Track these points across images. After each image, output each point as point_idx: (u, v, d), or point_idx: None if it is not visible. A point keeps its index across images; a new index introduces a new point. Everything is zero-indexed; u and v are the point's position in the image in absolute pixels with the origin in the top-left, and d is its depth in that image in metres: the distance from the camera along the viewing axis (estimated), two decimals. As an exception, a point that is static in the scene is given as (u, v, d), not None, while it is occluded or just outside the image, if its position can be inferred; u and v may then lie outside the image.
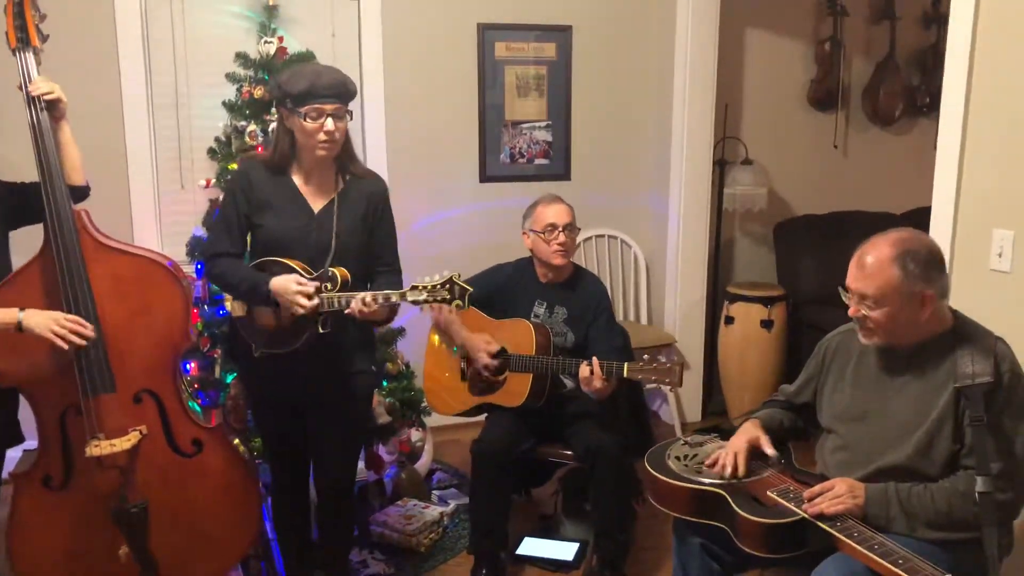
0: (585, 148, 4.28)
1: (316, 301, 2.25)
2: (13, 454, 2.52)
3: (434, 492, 3.55)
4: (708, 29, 4.02)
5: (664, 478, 2.14)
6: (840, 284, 2.05)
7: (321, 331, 2.30)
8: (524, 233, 2.98)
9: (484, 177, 4.16)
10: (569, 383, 2.97)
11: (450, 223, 4.12)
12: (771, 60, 4.49)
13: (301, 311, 2.24)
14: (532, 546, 3.11)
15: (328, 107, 2.29)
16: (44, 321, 2.22)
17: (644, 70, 4.29)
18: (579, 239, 4.05)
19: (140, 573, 2.45)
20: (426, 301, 2.24)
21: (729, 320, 4.23)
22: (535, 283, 3.00)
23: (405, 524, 3.15)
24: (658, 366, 2.55)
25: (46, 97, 2.35)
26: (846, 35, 4.51)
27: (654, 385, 2.65)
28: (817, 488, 1.98)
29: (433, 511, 3.26)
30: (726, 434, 2.33)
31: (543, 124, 4.19)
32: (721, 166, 4.38)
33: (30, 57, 2.41)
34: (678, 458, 2.23)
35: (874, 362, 2.10)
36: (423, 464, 3.59)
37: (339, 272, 2.31)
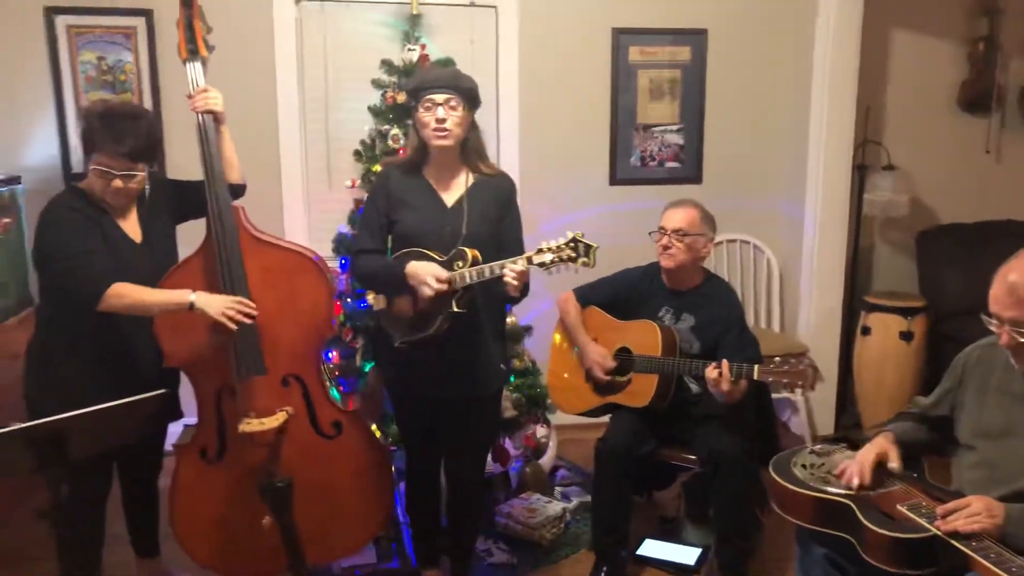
0: (718, 151, 4.25)
1: (443, 285, 2.33)
2: (174, 428, 2.77)
3: (557, 488, 3.61)
4: (850, 30, 3.90)
5: (789, 485, 2.12)
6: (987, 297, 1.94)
7: (456, 310, 2.37)
8: (651, 233, 2.99)
9: (614, 180, 4.19)
10: (694, 387, 2.96)
11: (578, 225, 4.10)
12: (917, 61, 4.31)
13: (428, 292, 2.33)
14: (653, 548, 3.13)
15: (439, 97, 2.40)
16: (215, 303, 2.43)
17: (781, 72, 4.21)
18: (708, 243, 4.07)
19: (282, 542, 2.64)
20: (553, 262, 2.27)
21: (866, 331, 4.09)
22: (662, 289, 3.00)
23: (529, 517, 3.22)
24: (790, 368, 2.51)
25: (205, 108, 2.57)
26: (1003, 34, 4.27)
27: (786, 391, 2.60)
28: (951, 505, 1.91)
29: (556, 506, 3.32)
30: (855, 445, 2.28)
31: (675, 127, 4.18)
32: (861, 171, 4.24)
33: (198, 67, 2.64)
34: (804, 466, 2.20)
35: (1020, 377, 2.01)
36: (547, 460, 3.66)
37: (470, 251, 2.39)
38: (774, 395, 3.93)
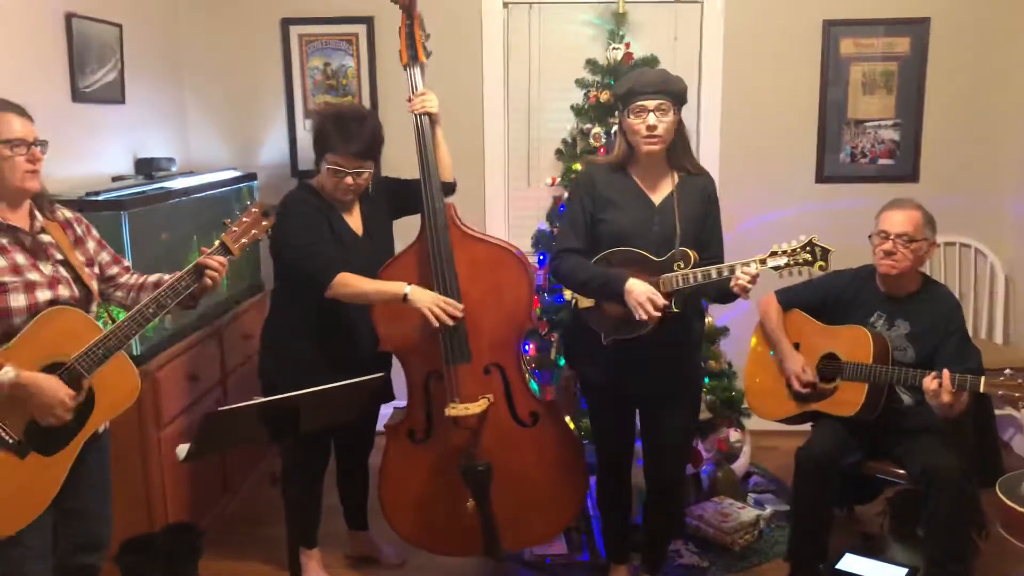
0: (937, 148, 3.97)
1: (657, 314, 2.31)
2: (385, 410, 2.97)
3: (750, 495, 3.53)
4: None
5: (1020, 508, 1.96)
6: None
7: (674, 311, 2.37)
8: (870, 238, 2.83)
9: (820, 177, 4.02)
10: (907, 398, 2.79)
11: (781, 224, 4.03)
12: None
13: (642, 316, 2.32)
14: (854, 563, 2.97)
15: (650, 104, 2.39)
16: (426, 298, 2.58)
17: (1012, 60, 3.87)
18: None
19: (481, 525, 2.76)
20: (787, 265, 2.24)
21: (1108, 346, 3.68)
22: (875, 293, 2.84)
23: (721, 521, 3.18)
24: (1023, 382, 2.31)
25: (423, 110, 2.73)
26: None
27: (1012, 407, 2.40)
28: None
29: (750, 512, 3.25)
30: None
31: (890, 122, 3.94)
32: (1109, 169, 3.82)
33: (417, 72, 2.81)
34: (1036, 489, 2.03)
35: None
36: (740, 465, 3.59)
37: (691, 253, 2.39)
38: (997, 412, 3.65)
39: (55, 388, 1.96)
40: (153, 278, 2.29)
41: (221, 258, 2.14)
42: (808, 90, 3.96)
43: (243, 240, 2.17)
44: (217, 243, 2.16)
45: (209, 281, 2.12)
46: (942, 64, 3.90)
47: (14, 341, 1.94)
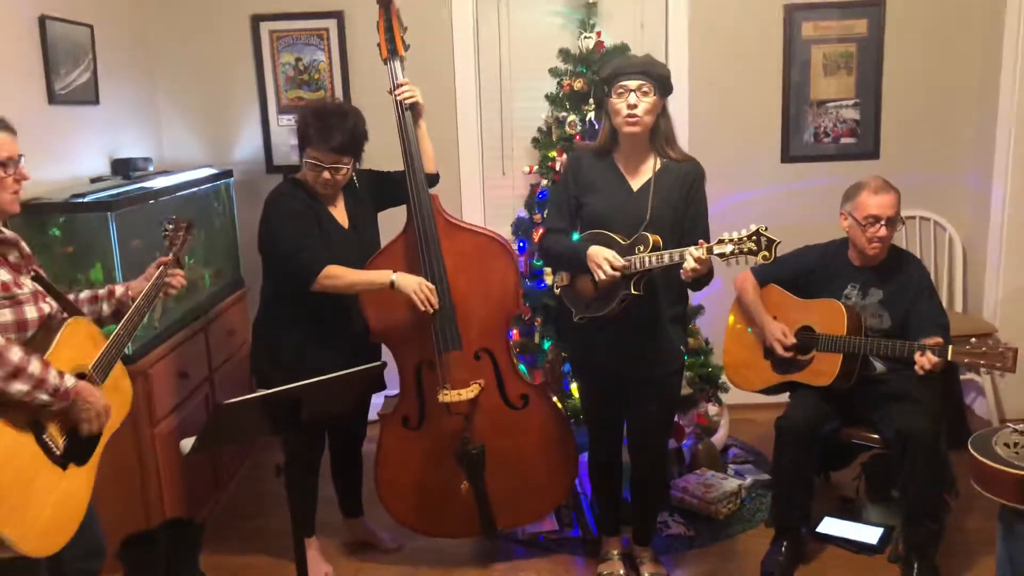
0: (896, 126, 4.11)
1: (615, 273, 2.41)
2: (376, 400, 3.02)
3: (730, 466, 3.65)
4: (1047, -9, 3.68)
5: (993, 463, 2.09)
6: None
7: (634, 292, 2.45)
8: (842, 214, 2.92)
9: (786, 157, 4.14)
10: (879, 365, 2.93)
11: (749, 205, 4.15)
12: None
13: (602, 276, 2.43)
14: (833, 526, 3.12)
15: (632, 84, 2.47)
16: (410, 283, 2.65)
17: (966, 38, 4.02)
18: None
19: (476, 505, 2.84)
20: (732, 253, 2.29)
21: (1062, 310, 3.86)
22: (847, 265, 2.97)
23: (704, 492, 3.29)
24: (988, 349, 2.44)
25: (409, 100, 2.78)
26: None
27: (983, 371, 2.53)
28: None
29: (731, 483, 3.37)
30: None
31: (850, 102, 4.08)
32: (1056, 140, 3.98)
33: (397, 65, 2.85)
34: (1007, 445, 2.16)
35: None
36: (719, 438, 3.71)
37: (651, 237, 2.45)
38: (961, 376, 3.82)
39: (99, 396, 1.98)
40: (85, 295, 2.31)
41: (179, 271, 2.37)
42: (771, 73, 4.07)
43: (183, 253, 2.44)
44: (171, 257, 2.36)
45: (172, 291, 2.36)
46: (898, 44, 4.03)
47: (52, 350, 1.92)
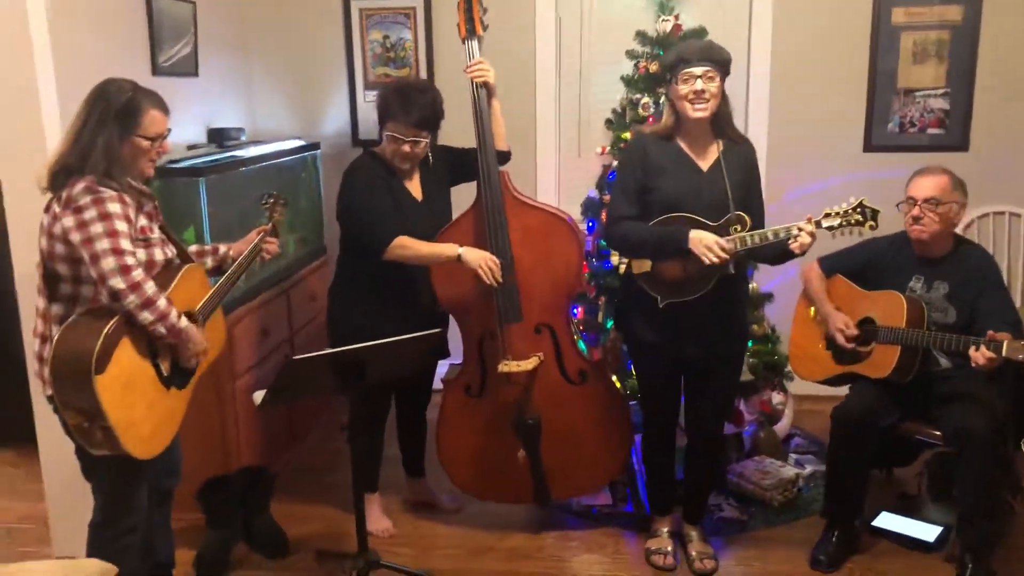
0: (988, 117, 3.97)
1: (726, 255, 2.48)
2: (442, 368, 3.15)
3: (791, 455, 3.64)
4: None
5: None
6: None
7: (731, 272, 2.53)
8: (898, 205, 2.91)
9: (868, 147, 4.06)
10: (944, 361, 2.88)
11: (828, 194, 4.05)
12: None
13: (714, 260, 2.47)
14: (890, 521, 3.10)
15: (697, 70, 2.52)
16: (476, 257, 2.76)
17: (1069, 30, 3.85)
18: (972, 215, 3.84)
19: (531, 474, 2.95)
20: (840, 225, 2.46)
21: None
22: (912, 257, 2.92)
23: (761, 478, 3.31)
24: (1049, 348, 2.39)
25: (481, 79, 2.87)
26: None
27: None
28: None
29: (789, 471, 3.37)
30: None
31: (940, 91, 3.96)
32: None
33: (475, 44, 2.95)
34: (1062, 446, 2.12)
35: None
36: (782, 427, 3.70)
37: (745, 216, 2.54)
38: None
39: (202, 339, 2.27)
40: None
41: (274, 240, 2.61)
42: (857, 59, 3.99)
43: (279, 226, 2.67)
44: (269, 226, 2.62)
45: (267, 256, 2.61)
46: (994, 32, 3.89)
47: (171, 290, 2.20)
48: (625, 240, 2.69)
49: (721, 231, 2.52)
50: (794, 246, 2.46)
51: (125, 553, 2.28)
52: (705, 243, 2.48)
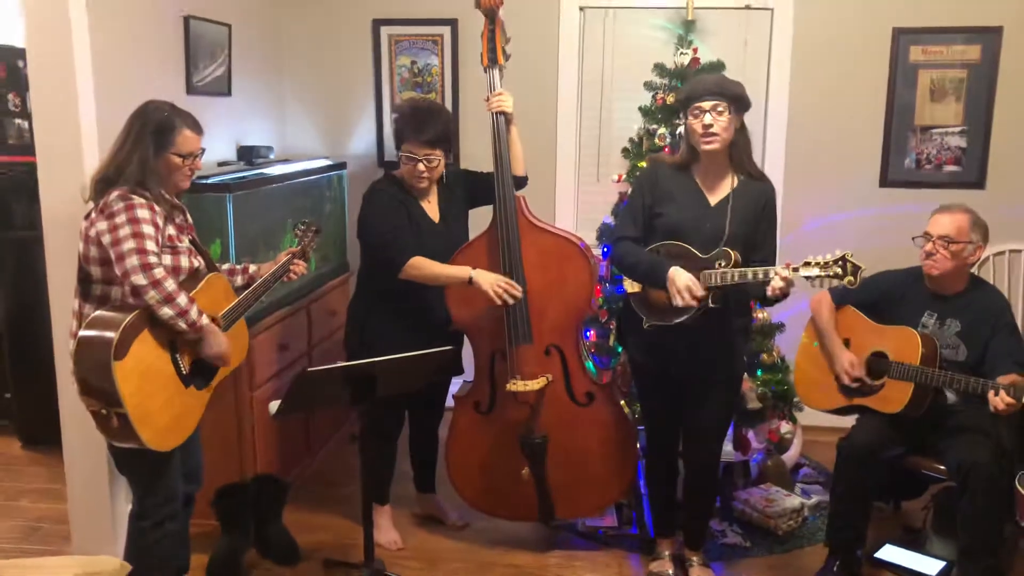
0: (1006, 155, 4.00)
1: (694, 303, 2.50)
2: (454, 386, 3.23)
3: (798, 484, 3.66)
4: None
5: (1033, 497, 2.08)
6: None
7: (711, 305, 2.56)
8: (913, 239, 2.95)
9: (885, 182, 4.11)
10: (951, 396, 2.90)
11: (844, 226, 4.14)
12: None
13: (679, 303, 2.51)
14: (893, 553, 3.11)
15: (706, 104, 2.57)
16: (488, 280, 2.84)
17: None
18: (988, 252, 3.86)
19: (537, 492, 3.01)
20: (818, 276, 2.39)
21: None
22: (925, 293, 2.95)
23: (766, 506, 3.33)
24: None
25: (497, 109, 2.96)
26: None
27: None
28: None
29: (794, 500, 3.39)
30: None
31: (957, 129, 4.00)
32: None
33: (496, 73, 3.04)
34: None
35: None
36: (790, 456, 3.72)
37: (732, 253, 2.55)
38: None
39: (223, 339, 2.39)
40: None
41: (302, 263, 2.76)
42: (875, 96, 4.05)
43: (310, 250, 2.83)
44: (298, 248, 2.78)
45: (293, 276, 2.76)
46: (1013, 72, 3.93)
47: (195, 292, 2.34)
48: (621, 260, 2.78)
49: (708, 264, 2.56)
50: (770, 291, 2.44)
51: (164, 540, 2.44)
52: (678, 285, 2.52)
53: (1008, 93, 3.96)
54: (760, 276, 2.46)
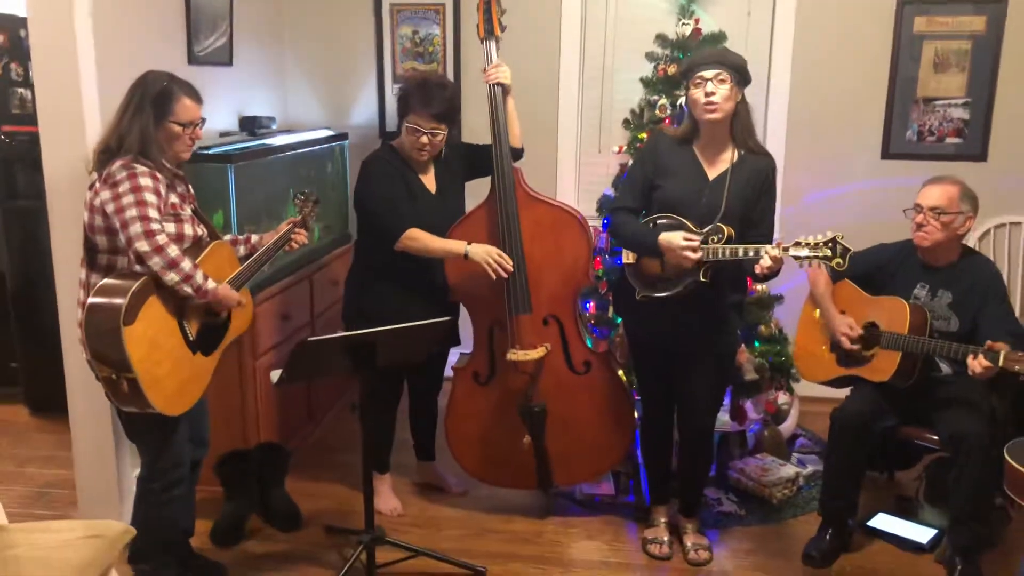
0: (1009, 128, 3.99)
1: (700, 255, 2.55)
2: (453, 356, 3.27)
3: (794, 454, 3.70)
4: None
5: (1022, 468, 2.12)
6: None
7: (702, 280, 2.59)
8: (905, 211, 2.97)
9: (886, 154, 4.10)
10: (945, 367, 2.93)
11: (845, 198, 4.15)
12: None
13: (688, 264, 2.56)
14: (885, 521, 3.15)
15: (708, 73, 2.57)
16: (482, 253, 2.86)
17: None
18: (988, 225, 3.87)
19: (536, 459, 3.06)
20: (808, 257, 2.43)
21: None
22: (917, 265, 2.97)
23: (761, 475, 3.38)
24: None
25: (494, 81, 2.97)
26: None
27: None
28: None
29: (789, 469, 3.44)
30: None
31: (960, 101, 3.99)
32: None
33: (492, 45, 3.04)
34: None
35: None
36: (787, 427, 3.76)
37: (726, 228, 2.57)
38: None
39: (232, 293, 2.44)
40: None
41: (303, 232, 2.75)
42: (878, 67, 4.03)
43: (311, 220, 2.82)
44: (299, 218, 2.76)
45: (295, 246, 2.74)
46: (1017, 44, 3.90)
47: (200, 259, 2.38)
48: (615, 230, 2.81)
49: (703, 240, 2.58)
50: (757, 270, 2.47)
51: (171, 503, 2.51)
52: (672, 247, 2.56)
53: (1012, 64, 3.93)
54: (751, 254, 2.49)
